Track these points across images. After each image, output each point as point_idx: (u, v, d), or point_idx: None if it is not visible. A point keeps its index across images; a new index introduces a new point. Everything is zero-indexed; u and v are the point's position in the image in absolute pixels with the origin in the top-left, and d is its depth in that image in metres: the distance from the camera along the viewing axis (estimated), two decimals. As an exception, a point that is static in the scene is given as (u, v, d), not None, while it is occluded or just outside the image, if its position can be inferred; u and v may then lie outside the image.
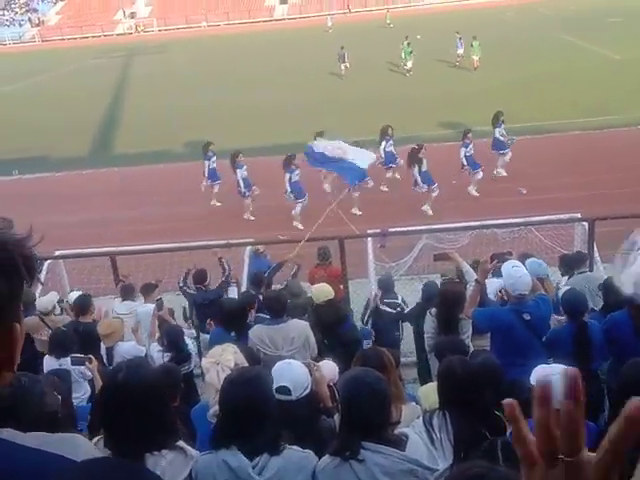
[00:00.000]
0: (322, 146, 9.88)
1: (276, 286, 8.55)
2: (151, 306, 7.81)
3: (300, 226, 14.26)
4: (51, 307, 7.52)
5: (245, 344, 5.54)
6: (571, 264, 8.01)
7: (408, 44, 31.78)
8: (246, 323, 6.37)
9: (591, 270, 8.21)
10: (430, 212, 14.79)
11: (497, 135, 16.00)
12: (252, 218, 15.45)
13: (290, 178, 14.46)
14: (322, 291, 6.61)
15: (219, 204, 16.44)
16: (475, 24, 36.44)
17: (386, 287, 8.12)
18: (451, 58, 33.39)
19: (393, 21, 49.73)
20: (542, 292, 5.78)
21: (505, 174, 16.38)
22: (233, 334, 6.10)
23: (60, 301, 8.14)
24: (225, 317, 6.41)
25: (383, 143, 16.03)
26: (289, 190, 14.56)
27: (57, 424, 2.63)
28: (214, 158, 15.99)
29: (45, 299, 7.63)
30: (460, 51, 33.17)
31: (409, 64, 31.80)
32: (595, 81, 26.03)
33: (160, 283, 8.80)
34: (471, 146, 15.18)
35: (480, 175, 15.51)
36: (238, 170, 15.02)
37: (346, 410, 2.99)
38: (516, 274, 5.45)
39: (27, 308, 6.75)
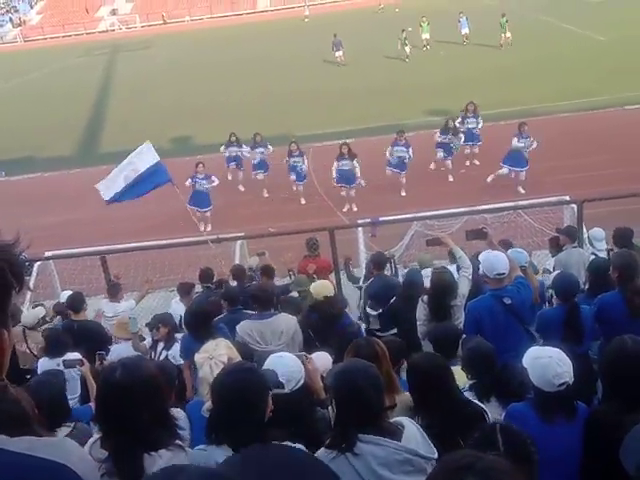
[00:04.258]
0: (111, 186, 9.30)
1: (282, 280, 8.56)
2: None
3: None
4: (35, 321, 7.26)
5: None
6: (570, 234, 7.99)
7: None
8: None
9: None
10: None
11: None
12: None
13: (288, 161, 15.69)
14: (323, 287, 6.56)
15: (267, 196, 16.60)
16: (459, 7, 36.14)
17: (378, 265, 7.86)
18: (455, 39, 33.39)
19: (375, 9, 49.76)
20: (520, 274, 5.73)
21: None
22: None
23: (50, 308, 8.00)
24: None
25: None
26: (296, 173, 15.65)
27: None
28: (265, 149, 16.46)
29: (32, 313, 7.48)
30: (465, 31, 32.88)
31: (407, 50, 31.42)
32: (581, 63, 26.01)
33: (151, 281, 8.79)
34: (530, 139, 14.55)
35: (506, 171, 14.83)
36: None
37: (339, 401, 2.93)
38: (492, 256, 5.51)
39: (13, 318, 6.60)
